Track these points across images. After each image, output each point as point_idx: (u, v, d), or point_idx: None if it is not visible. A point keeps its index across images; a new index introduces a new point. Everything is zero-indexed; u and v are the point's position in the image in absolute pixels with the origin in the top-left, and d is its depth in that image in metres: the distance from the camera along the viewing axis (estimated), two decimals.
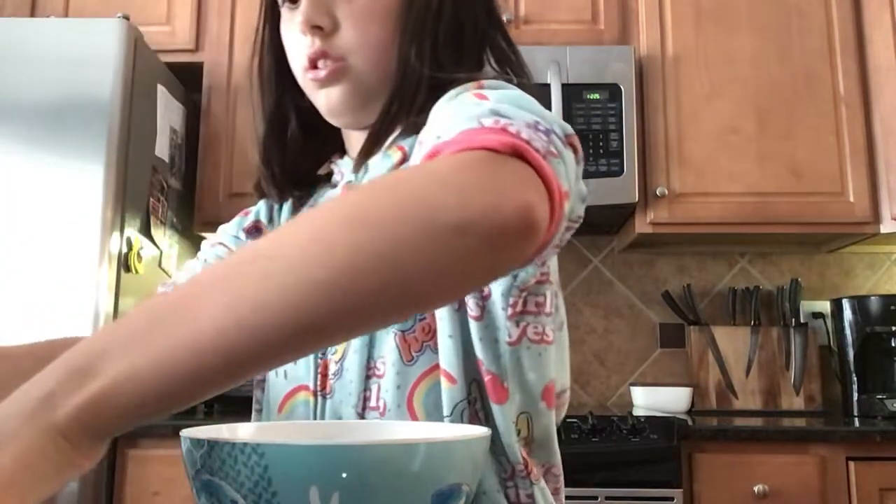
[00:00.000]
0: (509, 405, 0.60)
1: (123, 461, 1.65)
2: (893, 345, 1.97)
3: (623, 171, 1.95)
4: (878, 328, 1.96)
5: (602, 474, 1.61)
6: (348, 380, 0.63)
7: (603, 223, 2.17)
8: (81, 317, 1.63)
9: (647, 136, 2.03)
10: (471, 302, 0.60)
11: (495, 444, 0.61)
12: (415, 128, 0.66)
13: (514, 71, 0.71)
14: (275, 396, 0.68)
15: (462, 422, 0.59)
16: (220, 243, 0.77)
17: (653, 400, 2.05)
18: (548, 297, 0.64)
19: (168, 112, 1.99)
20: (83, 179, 1.68)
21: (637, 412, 1.86)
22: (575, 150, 0.51)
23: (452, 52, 0.68)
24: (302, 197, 0.77)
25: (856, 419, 1.93)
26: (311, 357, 0.65)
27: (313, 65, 0.67)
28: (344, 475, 0.36)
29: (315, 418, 0.64)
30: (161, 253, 1.94)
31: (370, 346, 0.63)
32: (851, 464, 1.62)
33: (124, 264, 1.74)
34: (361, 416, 0.62)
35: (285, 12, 0.71)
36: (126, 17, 1.78)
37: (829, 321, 2.18)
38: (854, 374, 2.00)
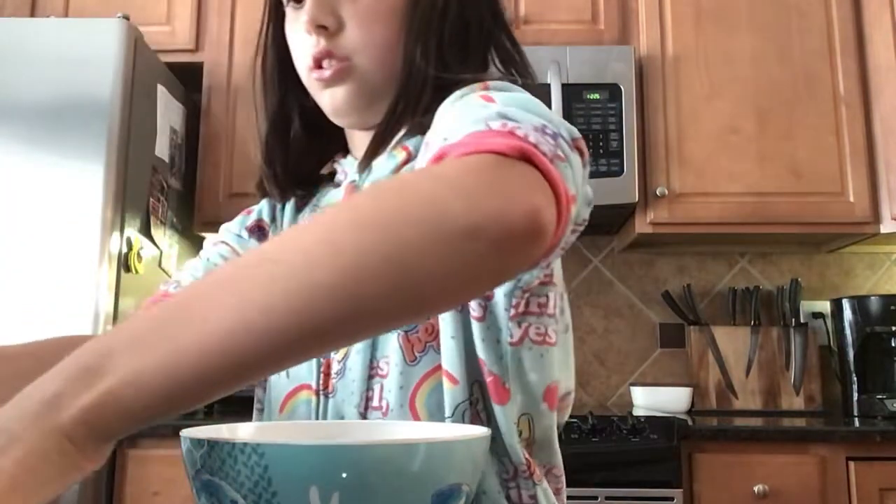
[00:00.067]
0: (511, 406, 0.60)
1: (123, 461, 1.65)
2: (893, 345, 1.97)
3: (623, 171, 1.95)
4: (878, 328, 1.96)
5: (602, 474, 1.61)
6: (351, 379, 0.63)
7: (603, 223, 2.17)
8: (81, 317, 1.63)
9: (647, 136, 2.03)
10: (473, 303, 0.60)
11: (497, 445, 0.61)
12: (420, 128, 0.66)
13: (518, 71, 0.71)
14: (276, 396, 0.68)
15: (463, 423, 0.59)
16: (223, 242, 0.77)
17: (653, 400, 2.05)
18: (551, 299, 0.64)
19: (168, 112, 1.99)
20: (83, 179, 1.68)
21: (637, 412, 1.86)
22: (581, 154, 0.51)
23: (457, 52, 0.68)
24: (304, 196, 0.77)
25: (856, 419, 1.93)
26: None
27: (318, 64, 0.67)
28: (344, 475, 0.36)
29: (317, 418, 0.64)
30: (161, 253, 1.94)
31: (373, 346, 0.63)
32: (851, 464, 1.62)
33: (124, 264, 1.74)
34: (364, 415, 0.62)
35: (290, 12, 0.71)
36: (126, 17, 1.78)
37: (829, 321, 2.18)
38: (854, 374, 2.00)
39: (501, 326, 0.61)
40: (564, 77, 1.97)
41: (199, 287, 0.39)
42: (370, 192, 0.41)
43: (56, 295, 1.64)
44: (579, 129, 0.53)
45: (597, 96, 1.98)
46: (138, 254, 1.80)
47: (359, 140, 0.74)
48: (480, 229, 0.37)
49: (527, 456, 0.62)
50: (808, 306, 2.22)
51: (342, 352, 0.64)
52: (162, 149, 1.95)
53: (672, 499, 1.61)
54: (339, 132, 0.76)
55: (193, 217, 2.09)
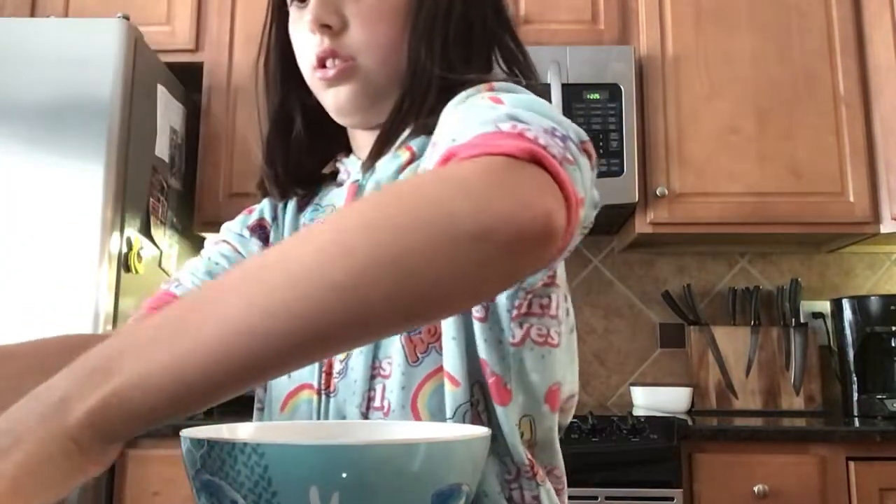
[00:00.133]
0: (512, 407, 0.60)
1: (123, 461, 1.65)
2: (893, 345, 1.97)
3: (623, 171, 1.95)
4: (878, 328, 1.96)
5: (602, 474, 1.61)
6: (353, 379, 0.63)
7: (603, 223, 2.17)
8: (81, 317, 1.63)
9: (647, 136, 2.03)
10: None
11: (499, 446, 0.61)
12: (424, 129, 0.66)
13: (521, 71, 0.71)
14: (277, 395, 0.68)
15: (464, 424, 0.59)
16: (224, 241, 0.77)
17: (653, 400, 2.05)
18: (553, 300, 0.64)
19: (168, 112, 1.99)
20: (83, 179, 1.68)
21: (637, 412, 1.86)
22: (589, 157, 0.51)
23: (462, 52, 0.68)
24: (305, 196, 0.77)
25: (856, 419, 1.93)
26: None
27: (322, 64, 0.67)
28: (344, 475, 0.36)
29: (318, 417, 0.64)
30: (161, 253, 1.94)
31: (376, 347, 0.63)
32: (851, 464, 1.62)
33: (124, 264, 1.74)
34: (365, 416, 0.62)
35: (293, 11, 0.71)
36: (126, 17, 1.78)
37: (829, 321, 2.18)
38: (854, 374, 2.00)
39: (503, 327, 0.61)
40: (564, 77, 1.97)
41: (208, 289, 0.39)
42: (381, 194, 0.41)
43: (56, 295, 1.64)
44: None
45: (597, 96, 1.98)
46: (138, 254, 1.80)
47: (362, 139, 0.74)
48: (490, 231, 0.37)
49: (529, 457, 0.62)
50: (808, 306, 2.22)
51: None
52: (162, 149, 1.95)
53: (672, 499, 1.61)
54: (341, 132, 0.76)
55: (193, 217, 2.09)
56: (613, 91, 1.99)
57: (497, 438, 0.60)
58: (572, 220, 0.43)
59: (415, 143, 0.67)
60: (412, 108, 0.66)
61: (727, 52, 2.06)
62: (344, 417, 0.63)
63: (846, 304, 2.03)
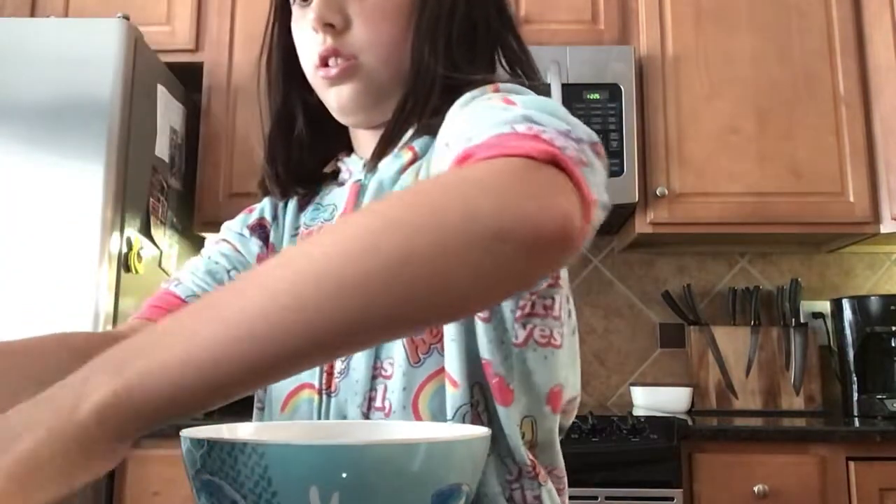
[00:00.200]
0: (514, 407, 0.60)
1: (123, 461, 1.65)
2: (893, 345, 1.97)
3: (623, 171, 1.95)
4: (878, 328, 1.96)
5: (602, 474, 1.61)
6: (354, 379, 0.63)
7: (603, 223, 2.15)
8: (81, 317, 1.63)
9: (647, 136, 2.03)
10: None
11: (500, 447, 0.61)
12: (428, 129, 0.66)
13: (524, 71, 0.71)
14: (277, 395, 0.68)
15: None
16: (224, 240, 0.77)
17: (653, 400, 2.05)
18: (556, 301, 0.64)
19: (168, 112, 1.99)
20: (83, 179, 1.68)
21: (637, 412, 1.86)
22: (601, 159, 0.51)
23: (465, 52, 0.68)
24: (306, 195, 0.77)
25: (856, 419, 1.93)
26: None
27: (324, 62, 0.67)
28: (344, 475, 0.36)
29: (319, 417, 0.64)
30: (161, 253, 1.94)
31: (378, 347, 0.63)
32: (851, 464, 1.62)
33: (124, 264, 1.74)
34: (366, 416, 0.62)
35: (296, 10, 0.71)
36: (126, 17, 1.78)
37: (829, 321, 2.18)
38: (854, 374, 2.00)
39: (507, 328, 0.61)
40: (564, 77, 1.97)
41: (225, 289, 0.39)
42: (401, 194, 0.41)
43: (56, 295, 1.64)
44: None
45: (597, 96, 1.98)
46: (138, 254, 1.80)
47: (363, 139, 0.74)
48: (511, 231, 0.37)
49: (531, 457, 0.62)
50: (808, 306, 2.22)
51: None
52: (162, 149, 1.95)
53: (672, 499, 1.61)
54: (342, 131, 0.76)
55: (193, 217, 2.09)
56: (613, 91, 1.99)
57: (498, 439, 0.60)
58: (587, 222, 0.43)
59: (417, 144, 0.67)
60: (415, 108, 0.66)
61: (727, 52, 2.06)
62: (345, 417, 0.63)
63: (846, 304, 2.03)
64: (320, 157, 0.78)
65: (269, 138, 0.75)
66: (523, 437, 0.61)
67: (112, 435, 0.35)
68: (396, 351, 0.62)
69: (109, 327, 1.66)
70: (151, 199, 1.89)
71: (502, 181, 0.40)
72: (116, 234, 1.71)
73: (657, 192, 1.99)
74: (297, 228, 0.76)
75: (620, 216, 2.10)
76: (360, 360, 0.63)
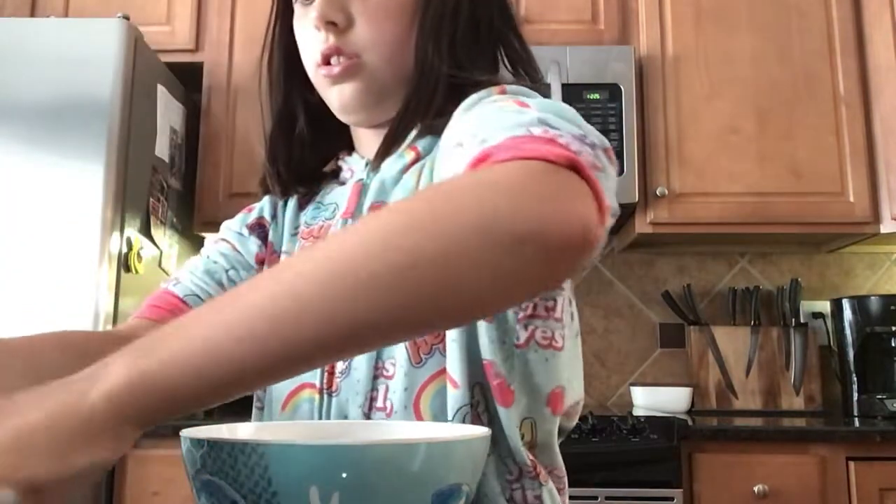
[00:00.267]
0: (515, 408, 0.60)
1: (123, 461, 1.65)
2: (893, 345, 1.97)
3: (623, 171, 1.95)
4: (878, 328, 1.96)
5: (602, 474, 1.61)
6: (356, 379, 0.63)
7: None
8: (81, 317, 1.63)
9: (647, 136, 2.03)
10: None
11: (500, 447, 0.61)
12: (431, 129, 0.66)
13: (526, 71, 0.71)
14: (278, 394, 0.68)
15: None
16: (224, 240, 0.77)
17: (653, 400, 2.05)
18: (559, 303, 0.64)
19: (168, 112, 1.99)
20: (83, 179, 1.68)
21: (637, 412, 1.86)
22: (612, 164, 0.51)
23: (469, 51, 0.68)
24: (307, 194, 0.77)
25: (856, 419, 1.93)
26: None
27: (326, 61, 0.67)
28: (344, 475, 0.36)
29: (320, 417, 0.64)
30: (161, 253, 1.94)
31: None
32: (851, 464, 1.62)
33: (124, 264, 1.74)
34: (368, 416, 0.62)
35: (298, 8, 0.71)
36: (126, 17, 1.78)
37: (829, 321, 2.18)
38: (854, 374, 2.00)
39: (509, 328, 0.61)
40: (564, 77, 1.97)
41: (253, 280, 0.40)
42: (423, 194, 0.41)
43: (56, 295, 1.64)
44: None
45: (597, 96, 1.98)
46: (138, 254, 1.80)
47: (365, 138, 0.74)
48: (531, 234, 0.38)
49: (531, 457, 0.62)
50: (808, 306, 2.22)
51: None
52: (162, 149, 1.95)
53: (672, 499, 1.61)
54: (343, 130, 0.76)
55: (193, 217, 2.09)
56: (613, 91, 1.99)
57: (499, 440, 0.60)
58: (602, 227, 0.43)
59: (420, 144, 0.67)
60: (419, 108, 0.66)
61: (727, 52, 2.06)
62: (346, 417, 0.63)
63: (846, 304, 2.03)
64: (321, 156, 0.78)
65: (271, 137, 0.75)
66: (522, 439, 0.61)
67: (121, 420, 0.35)
68: (398, 351, 0.61)
69: (109, 327, 1.65)
70: (151, 199, 1.89)
71: (523, 184, 0.40)
72: (116, 234, 1.71)
73: (657, 192, 1.99)
74: (297, 228, 0.76)
75: (620, 216, 2.10)
76: (361, 360, 0.62)
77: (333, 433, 0.55)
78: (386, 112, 0.69)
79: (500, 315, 0.61)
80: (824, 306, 2.20)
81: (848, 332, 2.02)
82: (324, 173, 0.78)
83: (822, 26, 2.06)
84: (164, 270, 1.95)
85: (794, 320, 2.14)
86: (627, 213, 2.06)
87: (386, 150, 0.68)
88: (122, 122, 1.73)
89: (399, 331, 0.40)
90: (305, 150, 0.76)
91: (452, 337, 0.60)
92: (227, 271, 0.74)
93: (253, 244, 0.76)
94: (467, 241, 0.37)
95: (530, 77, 0.71)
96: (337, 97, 0.69)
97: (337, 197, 0.74)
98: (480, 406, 0.60)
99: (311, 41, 0.69)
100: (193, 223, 2.09)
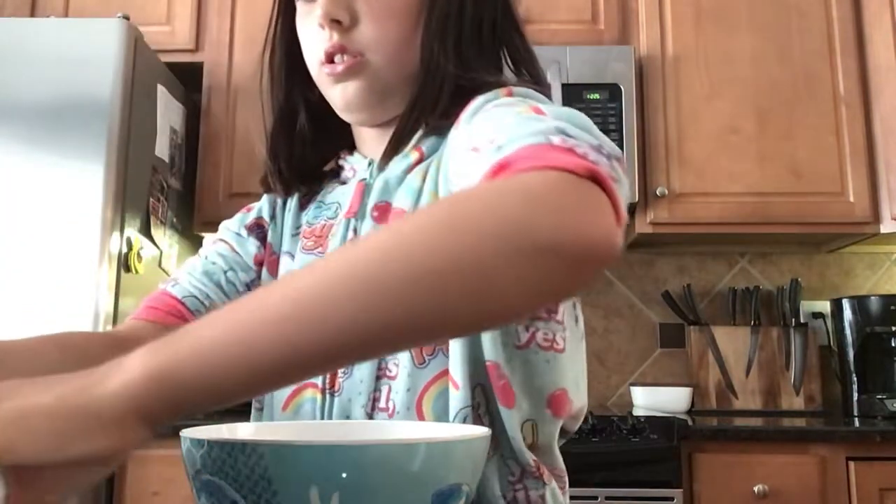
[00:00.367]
0: (516, 410, 0.60)
1: (123, 461, 1.65)
2: (893, 345, 1.97)
3: None
4: (878, 328, 1.96)
5: (602, 474, 1.61)
6: (358, 379, 0.63)
7: None
8: (81, 317, 1.63)
9: (647, 136, 2.03)
10: None
11: (503, 448, 0.61)
12: (436, 131, 0.66)
13: (529, 72, 0.71)
14: (279, 395, 0.68)
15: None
16: (222, 240, 0.77)
17: (653, 400, 2.04)
18: (560, 306, 0.64)
19: (168, 112, 1.99)
20: (83, 179, 1.68)
21: (637, 412, 1.86)
22: (625, 175, 0.52)
23: (474, 51, 0.68)
24: (308, 193, 0.77)
25: (856, 419, 1.93)
26: None
27: (330, 59, 0.67)
28: (344, 475, 0.36)
29: (322, 417, 0.64)
30: (161, 253, 1.94)
31: None
32: (851, 464, 1.62)
33: (124, 264, 1.74)
34: (370, 416, 0.62)
35: (301, 6, 0.70)
36: (126, 17, 1.78)
37: (829, 321, 2.18)
38: (854, 374, 2.00)
39: (510, 330, 0.61)
40: (564, 77, 1.97)
41: (280, 280, 0.40)
42: (444, 203, 0.42)
43: (56, 295, 1.64)
44: None
45: (597, 96, 1.98)
46: (138, 254, 1.80)
47: (367, 137, 0.74)
48: (556, 245, 0.38)
49: (534, 457, 0.62)
50: (808, 306, 2.22)
51: None
52: (162, 149, 1.95)
53: (672, 499, 1.60)
54: (344, 129, 0.76)
55: (193, 217, 2.09)
56: (613, 91, 1.99)
57: (500, 441, 0.60)
58: (621, 238, 0.44)
59: (425, 145, 0.67)
60: (426, 108, 0.66)
61: (727, 52, 2.06)
62: (348, 417, 0.63)
63: (846, 304, 2.03)
64: (322, 155, 0.78)
65: (272, 135, 0.75)
66: (524, 441, 0.61)
67: (130, 413, 0.35)
68: (401, 352, 0.61)
69: (109, 327, 1.65)
70: (151, 199, 1.89)
71: (546, 195, 0.40)
72: (116, 234, 1.71)
73: (657, 192, 1.99)
74: (298, 227, 0.76)
75: None
76: None
77: (333, 433, 0.55)
78: (388, 111, 0.69)
79: None
80: (824, 306, 2.20)
81: (848, 332, 2.02)
82: (324, 172, 0.78)
83: (822, 26, 2.06)
84: (164, 270, 1.95)
85: (794, 320, 2.14)
86: (628, 213, 2.05)
87: (393, 150, 0.68)
88: (122, 122, 1.73)
89: (418, 337, 0.40)
90: (306, 148, 0.76)
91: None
92: (225, 272, 0.73)
93: (252, 245, 0.76)
94: (490, 250, 0.37)
95: (533, 77, 0.71)
96: (340, 96, 0.69)
97: (339, 196, 0.74)
98: (481, 408, 0.60)
99: (314, 39, 0.68)
100: (193, 223, 2.09)
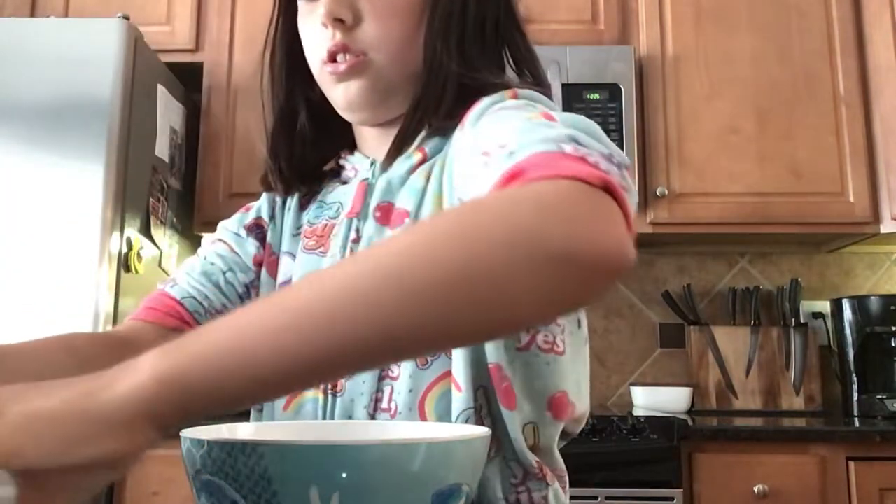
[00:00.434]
0: (517, 413, 0.60)
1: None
2: (893, 345, 1.97)
3: None
4: (878, 328, 1.96)
5: (602, 474, 1.61)
6: (361, 379, 0.62)
7: None
8: (81, 317, 1.63)
9: (647, 136, 2.03)
10: None
11: (505, 450, 0.60)
12: (440, 131, 0.66)
13: (530, 71, 0.71)
14: None
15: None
16: (221, 240, 0.76)
17: (653, 400, 2.04)
18: None
19: (168, 112, 1.99)
20: (83, 179, 1.68)
21: (637, 412, 1.86)
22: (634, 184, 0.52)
23: (477, 51, 0.68)
24: (308, 193, 0.77)
25: (856, 419, 1.93)
26: None
27: (332, 58, 0.67)
28: (344, 475, 0.36)
29: (324, 417, 0.64)
30: (161, 253, 1.94)
31: None
32: (851, 464, 1.62)
33: (124, 264, 1.74)
34: (372, 416, 0.62)
35: (303, 5, 0.70)
36: (126, 17, 1.78)
37: (829, 321, 2.18)
38: (854, 374, 2.00)
39: None
40: (564, 77, 1.97)
41: (294, 285, 0.41)
42: (458, 211, 0.42)
43: (56, 295, 1.64)
44: None
45: (597, 96, 1.98)
46: (138, 254, 1.80)
47: (368, 136, 0.73)
48: (570, 255, 0.38)
49: (536, 459, 0.62)
50: (808, 306, 2.22)
51: None
52: (162, 149, 1.95)
53: (672, 499, 1.60)
54: (345, 128, 0.75)
55: (193, 217, 2.09)
56: (613, 91, 1.99)
57: (503, 443, 0.60)
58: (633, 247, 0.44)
59: (428, 145, 0.67)
60: (429, 107, 0.66)
61: (727, 52, 2.06)
62: (350, 418, 0.63)
63: (846, 304, 2.03)
64: (322, 154, 0.77)
65: (272, 133, 0.75)
66: (525, 442, 0.61)
67: (138, 416, 0.35)
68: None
69: (109, 327, 1.65)
70: (151, 199, 1.89)
71: (560, 204, 0.40)
72: (116, 234, 1.71)
73: (657, 192, 1.99)
74: (299, 227, 0.75)
75: None
76: None
77: (333, 433, 0.55)
78: (391, 111, 0.69)
79: None
80: (824, 306, 2.20)
81: (848, 332, 2.02)
82: (325, 172, 0.78)
83: (822, 26, 2.06)
84: (164, 270, 1.95)
85: (794, 320, 2.14)
86: None
87: (397, 150, 0.68)
88: (122, 122, 1.73)
89: (422, 347, 0.41)
90: (307, 147, 0.75)
91: None
92: (224, 273, 0.73)
93: (251, 246, 0.75)
94: (502, 259, 0.37)
95: (534, 78, 0.71)
96: (342, 95, 0.68)
97: (340, 196, 0.73)
98: (483, 410, 0.60)
99: (317, 38, 0.68)
100: (193, 223, 2.09)
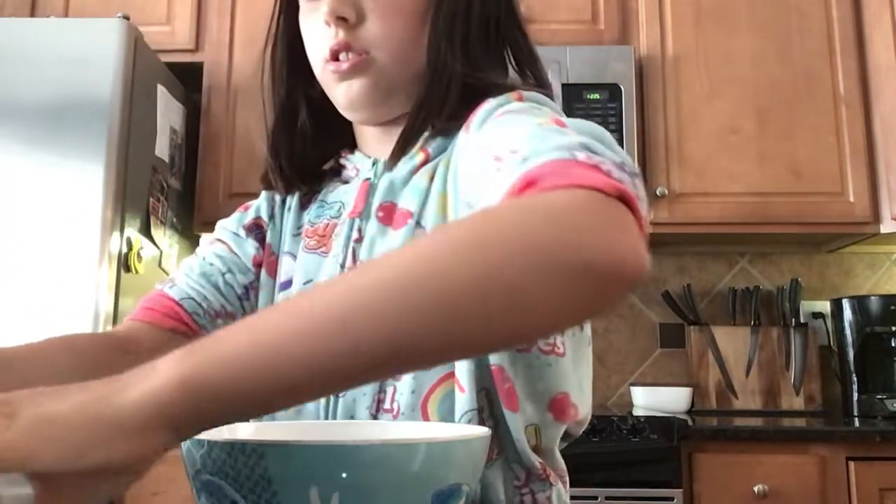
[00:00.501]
0: (520, 414, 0.60)
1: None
2: (893, 345, 1.97)
3: None
4: (878, 328, 1.96)
5: (602, 474, 1.61)
6: None
7: None
8: (81, 317, 1.63)
9: (647, 136, 2.03)
10: None
11: (508, 452, 0.60)
12: (443, 132, 0.66)
13: (532, 72, 0.71)
14: None
15: None
16: (220, 240, 0.76)
17: (653, 400, 2.04)
18: None
19: (168, 112, 1.99)
20: (83, 179, 1.68)
21: (637, 412, 1.86)
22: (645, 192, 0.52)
23: (481, 51, 0.68)
24: (308, 192, 0.77)
25: (856, 419, 1.93)
26: None
27: (335, 56, 0.66)
28: (344, 475, 0.36)
29: (326, 417, 0.64)
30: (161, 253, 1.94)
31: None
32: (851, 464, 1.62)
33: (124, 264, 1.74)
34: (375, 417, 0.62)
35: (305, 3, 0.70)
36: (126, 17, 1.78)
37: (829, 321, 2.18)
38: (854, 374, 2.00)
39: None
40: (564, 77, 1.97)
41: (313, 288, 0.39)
42: (472, 220, 0.41)
43: (56, 295, 1.64)
44: None
45: (597, 96, 1.98)
46: (138, 254, 1.80)
47: (369, 136, 0.73)
48: (586, 266, 0.38)
49: (539, 459, 0.62)
50: (808, 306, 2.22)
51: None
52: (162, 149, 1.95)
53: (672, 499, 1.60)
54: (346, 127, 0.75)
55: (193, 217, 2.09)
56: (613, 91, 1.99)
57: (505, 445, 0.60)
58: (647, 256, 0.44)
59: (431, 146, 0.67)
60: (433, 107, 0.66)
61: (727, 52, 2.06)
62: (352, 418, 0.63)
63: (846, 304, 2.03)
64: (322, 153, 0.77)
65: (273, 131, 0.75)
66: (527, 443, 0.61)
67: (154, 420, 0.34)
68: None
69: (109, 327, 1.65)
70: (151, 199, 1.89)
71: (575, 214, 0.40)
72: (116, 234, 1.71)
73: (657, 193, 1.99)
74: (300, 227, 0.75)
75: None
76: None
77: (334, 433, 0.55)
78: (392, 110, 0.69)
79: None
80: (824, 306, 2.20)
81: (848, 332, 2.02)
82: (325, 171, 0.77)
83: (822, 26, 2.06)
84: (164, 270, 1.95)
85: (794, 320, 2.14)
86: None
87: (401, 150, 0.67)
88: (122, 122, 1.73)
89: (440, 356, 0.40)
90: (307, 146, 0.75)
91: None
92: (223, 274, 0.73)
93: (250, 246, 0.75)
94: (517, 269, 0.37)
95: (536, 78, 0.70)
96: (344, 94, 0.68)
97: (341, 195, 0.73)
98: (486, 411, 0.60)
99: (319, 36, 0.68)
100: (193, 223, 2.09)
